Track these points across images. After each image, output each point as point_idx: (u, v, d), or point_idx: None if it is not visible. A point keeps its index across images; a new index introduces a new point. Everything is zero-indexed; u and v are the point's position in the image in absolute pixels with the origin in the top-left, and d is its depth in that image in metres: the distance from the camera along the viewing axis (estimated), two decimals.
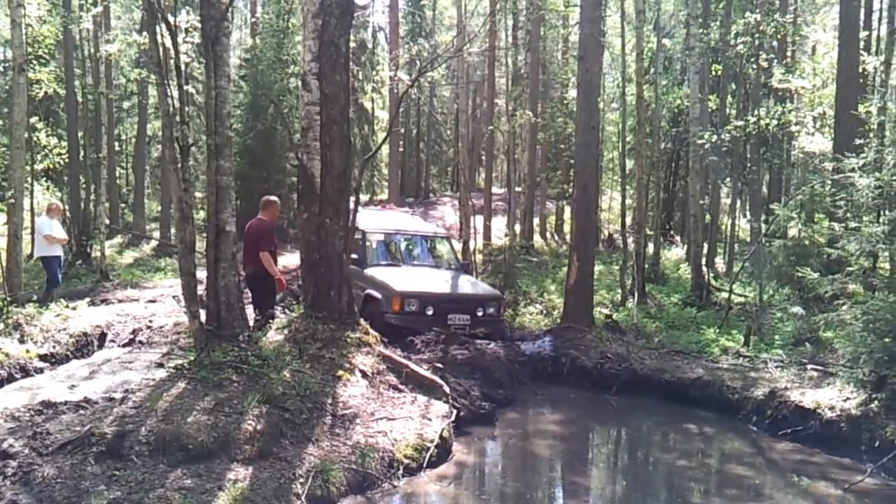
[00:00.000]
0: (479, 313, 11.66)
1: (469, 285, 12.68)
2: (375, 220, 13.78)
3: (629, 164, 19.86)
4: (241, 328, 7.56)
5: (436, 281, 12.22)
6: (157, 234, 26.17)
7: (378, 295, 11.34)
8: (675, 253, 23.38)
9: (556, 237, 28.32)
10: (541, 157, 27.46)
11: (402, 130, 36.65)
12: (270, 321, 9.00)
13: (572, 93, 26.36)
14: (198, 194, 19.05)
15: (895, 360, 7.34)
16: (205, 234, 7.84)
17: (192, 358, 7.29)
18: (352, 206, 9.53)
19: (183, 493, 5.45)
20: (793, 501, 6.65)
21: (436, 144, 44.26)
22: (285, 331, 8.90)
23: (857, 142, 10.23)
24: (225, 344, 7.28)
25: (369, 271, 12.02)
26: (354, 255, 11.66)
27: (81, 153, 21.99)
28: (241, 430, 6.34)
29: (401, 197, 30.51)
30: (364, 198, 30.87)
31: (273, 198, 9.85)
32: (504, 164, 33.92)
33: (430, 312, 11.16)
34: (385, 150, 31.38)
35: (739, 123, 15.81)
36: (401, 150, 35.19)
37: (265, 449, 6.37)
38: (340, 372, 8.04)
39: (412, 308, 11.10)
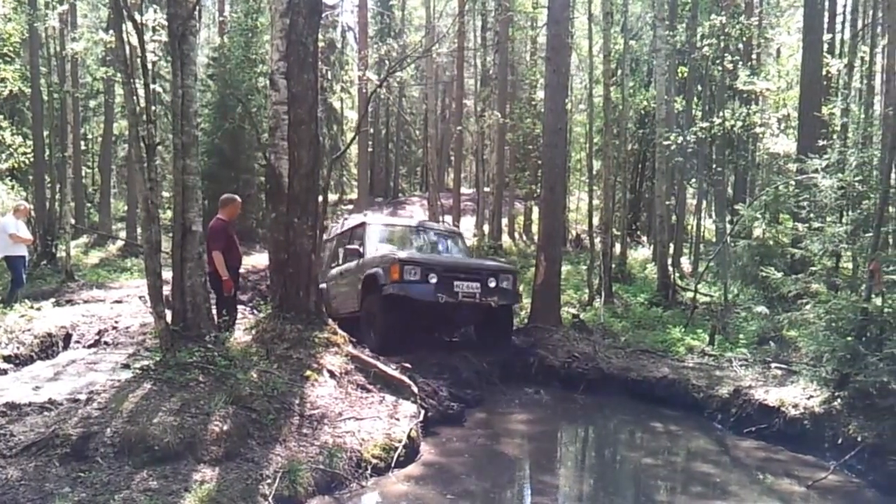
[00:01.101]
0: (492, 284, 10.71)
1: (483, 260, 12.37)
2: (380, 216, 13.60)
3: (596, 164, 20.03)
4: (208, 329, 7.51)
5: (442, 254, 11.82)
6: (123, 234, 25.85)
7: (377, 270, 10.57)
8: (641, 253, 23.60)
9: (525, 237, 28.45)
10: (509, 157, 27.59)
11: (372, 130, 36.57)
12: (229, 321, 8.92)
13: (540, 94, 26.46)
14: (164, 194, 18.88)
15: (858, 358, 7.48)
16: (171, 234, 7.77)
17: (157, 359, 7.22)
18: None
19: (148, 495, 5.41)
20: (757, 499, 6.75)
21: (405, 144, 44.25)
22: (253, 331, 8.86)
23: (821, 143, 10.43)
24: (191, 344, 7.23)
25: (369, 256, 11.39)
26: (355, 246, 11.70)
27: (47, 152, 21.67)
28: (207, 430, 6.30)
29: (370, 197, 30.45)
30: (333, 197, 30.74)
31: (232, 196, 9.76)
32: (473, 164, 33.98)
33: (434, 281, 10.28)
34: (354, 149, 31.29)
35: (705, 125, 16.03)
36: (370, 150, 35.12)
37: (232, 450, 6.34)
38: (308, 372, 8.02)
39: (413, 276, 10.23)
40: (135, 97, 7.44)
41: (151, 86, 7.90)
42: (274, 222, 8.99)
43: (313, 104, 8.76)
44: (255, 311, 10.47)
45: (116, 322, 11.79)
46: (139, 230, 20.83)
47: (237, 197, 9.77)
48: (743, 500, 6.63)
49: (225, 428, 6.40)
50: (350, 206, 32.87)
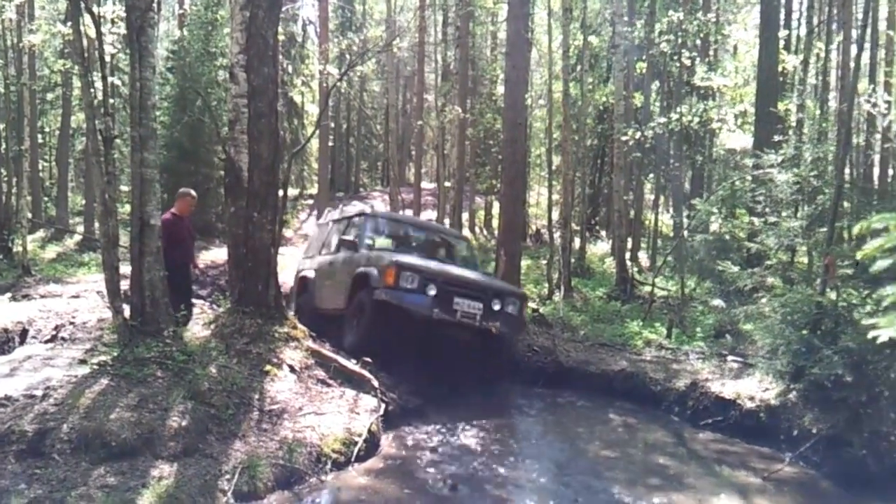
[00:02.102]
0: (496, 306, 9.68)
1: (490, 278, 10.88)
2: (384, 209, 13.07)
3: (556, 160, 20.17)
4: (167, 324, 7.40)
5: (444, 265, 10.35)
6: (80, 229, 25.38)
7: (370, 269, 9.66)
8: (600, 248, 23.83)
9: (485, 232, 28.53)
10: (470, 152, 27.61)
11: (332, 125, 36.33)
12: (187, 315, 8.80)
13: (501, 89, 26.51)
14: (123, 187, 18.55)
15: (812, 351, 7.63)
16: (129, 228, 7.64)
17: (115, 354, 7.11)
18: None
19: (106, 491, 5.34)
20: (714, 490, 6.85)
21: (366, 139, 44.06)
22: (212, 326, 8.75)
23: (777, 138, 10.61)
24: (149, 339, 7.13)
25: (364, 251, 10.43)
26: (351, 238, 10.71)
27: (3, 145, 21.17)
28: (165, 426, 6.23)
29: (331, 191, 30.25)
30: (293, 192, 30.50)
31: (186, 190, 9.62)
32: (434, 159, 33.99)
33: (432, 293, 9.31)
34: (315, 144, 31.07)
35: (663, 120, 16.21)
36: (331, 144, 34.88)
37: (190, 445, 6.27)
38: (268, 367, 7.95)
39: (410, 284, 9.29)
40: (92, 90, 7.32)
41: (109, 78, 7.77)
42: (233, 216, 8.89)
43: (274, 98, 8.67)
44: (215, 306, 10.33)
45: (74, 317, 11.58)
46: (97, 224, 20.47)
47: (192, 191, 9.62)
48: (699, 492, 6.73)
49: (183, 423, 6.33)
50: (310, 201, 32.66)
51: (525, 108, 14.80)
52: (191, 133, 22.88)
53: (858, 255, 3.73)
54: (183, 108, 22.86)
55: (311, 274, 11.99)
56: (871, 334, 3.53)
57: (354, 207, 12.63)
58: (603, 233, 26.62)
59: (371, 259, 9.92)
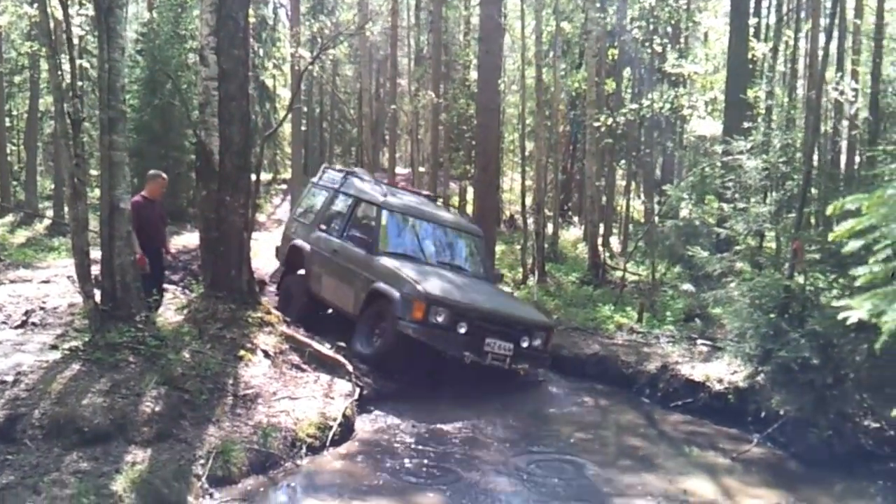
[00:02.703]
0: (524, 343, 9.04)
1: (515, 304, 10.02)
2: (393, 194, 10.82)
3: (529, 145, 20.19)
4: (138, 308, 7.33)
5: (470, 289, 9.37)
6: (50, 213, 24.97)
7: (392, 293, 8.82)
8: (573, 233, 23.95)
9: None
10: (444, 137, 27.58)
11: (305, 109, 36.07)
12: (159, 300, 8.71)
13: (474, 74, 26.49)
14: (92, 171, 18.31)
15: (780, 334, 7.75)
16: (99, 212, 7.54)
17: (86, 339, 7.03)
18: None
19: (79, 477, 5.30)
20: (684, 470, 6.97)
21: (339, 123, 43.81)
22: (184, 311, 8.69)
23: (746, 125, 10.72)
24: (121, 324, 7.05)
25: (382, 260, 9.41)
26: (363, 236, 9.83)
27: None
28: (138, 411, 6.20)
29: (304, 176, 30.07)
30: (266, 177, 30.25)
31: (156, 172, 9.38)
32: (408, 144, 33.90)
33: (462, 331, 8.62)
34: (288, 128, 30.83)
35: (634, 107, 16.30)
36: (304, 128, 34.65)
37: (164, 430, 6.24)
38: (242, 352, 7.92)
39: (439, 319, 8.55)
40: (60, 72, 7.21)
41: (78, 60, 7.65)
42: (205, 200, 8.82)
43: (244, 80, 8.60)
44: (187, 291, 10.23)
45: (44, 302, 11.38)
46: (66, 208, 20.17)
47: (162, 173, 9.42)
48: (670, 473, 6.84)
49: (156, 409, 6.30)
50: (284, 186, 32.43)
51: (498, 93, 14.82)
52: (161, 116, 22.57)
53: (830, 237, 3.79)
54: (153, 91, 22.53)
55: (306, 246, 10.88)
56: (841, 315, 3.60)
57: (360, 180, 11.16)
58: (575, 218, 26.76)
59: (391, 276, 9.05)
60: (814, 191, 10.21)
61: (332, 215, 11.01)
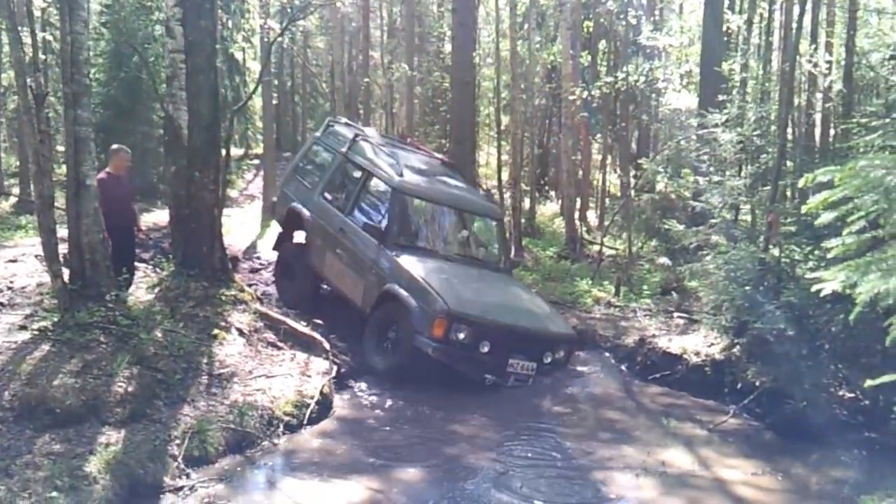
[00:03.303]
0: (548, 360, 8.34)
1: (536, 309, 8.91)
2: (409, 168, 9.54)
3: (504, 119, 20.12)
4: (108, 287, 7.22)
5: (493, 294, 8.63)
6: (16, 191, 24.55)
7: (409, 302, 8.00)
8: (549, 208, 23.97)
9: None
10: (418, 111, 27.43)
11: (276, 82, 35.63)
12: (129, 279, 8.60)
13: (448, 47, 26.33)
14: (58, 147, 18.01)
15: (756, 306, 7.84)
16: (65, 189, 7.40)
17: (56, 319, 6.92)
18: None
19: (52, 459, 5.26)
20: (662, 442, 7.05)
21: (311, 97, 43.31)
22: (156, 289, 8.60)
23: (721, 98, 10.75)
24: (91, 304, 6.95)
25: (397, 257, 8.55)
26: (369, 219, 9.04)
27: None
28: (111, 392, 6.15)
29: (277, 151, 29.79)
30: (238, 152, 29.90)
31: (119, 147, 9.04)
32: (382, 117, 33.65)
33: (485, 350, 7.87)
34: (259, 102, 30.47)
35: (609, 80, 16.28)
36: (275, 102, 34.25)
37: (138, 411, 6.20)
38: (216, 331, 7.88)
39: (461, 337, 7.76)
40: (21, 46, 7.03)
41: (39, 33, 7.47)
42: (174, 176, 8.72)
43: (212, 52, 8.47)
44: (158, 270, 10.08)
45: (12, 282, 11.19)
46: (32, 185, 19.84)
47: (125, 147, 9.14)
48: (648, 445, 6.92)
49: (129, 389, 6.25)
50: (256, 161, 32.07)
51: (473, 66, 14.71)
52: (128, 90, 22.17)
53: (804, 209, 3.82)
54: (119, 64, 22.12)
55: (305, 212, 9.96)
56: (815, 287, 3.64)
57: (371, 146, 9.94)
58: (552, 193, 26.78)
59: (407, 280, 8.22)
60: (789, 164, 10.29)
61: (338, 184, 10.05)
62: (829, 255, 3.80)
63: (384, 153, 9.65)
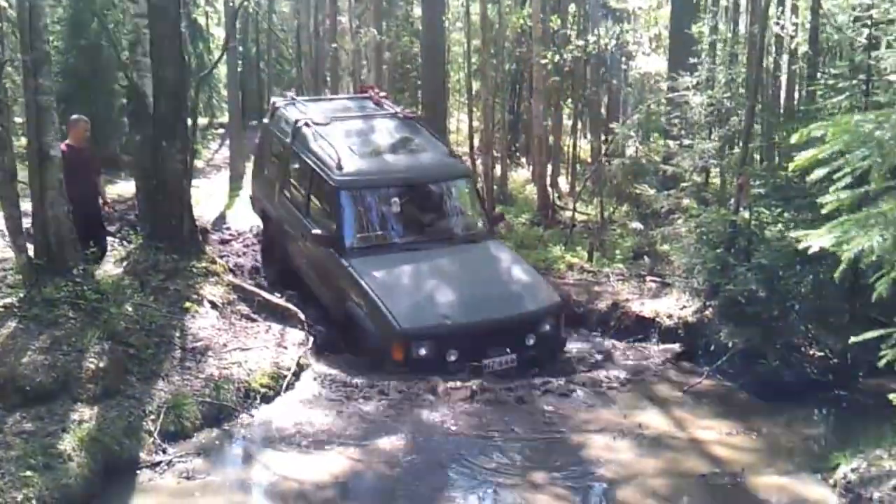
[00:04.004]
0: (531, 340, 7.83)
1: (513, 285, 8.39)
2: (354, 152, 8.89)
3: (475, 85, 20.00)
4: (75, 261, 7.11)
5: (460, 286, 8.04)
6: None
7: (367, 323, 7.69)
8: (521, 174, 23.91)
9: None
10: (387, 77, 27.11)
11: (241, 49, 35.04)
12: (97, 252, 8.46)
13: (418, 11, 25.99)
14: (17, 119, 17.58)
15: (727, 269, 7.90)
16: (27, 162, 7.25)
17: (22, 295, 6.82)
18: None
19: (24, 438, 5.24)
20: (637, 405, 7.12)
21: (277, 63, 42.66)
22: (124, 263, 8.48)
23: (692, 61, 10.76)
24: (58, 279, 6.85)
25: (351, 268, 8.04)
26: (319, 224, 8.56)
27: None
28: (82, 368, 6.12)
29: (243, 120, 29.39)
30: (203, 121, 29.45)
31: (77, 117, 8.82)
32: (350, 84, 33.24)
33: (453, 358, 7.46)
34: (223, 69, 29.96)
35: (581, 43, 16.21)
36: (239, 69, 33.69)
37: (110, 387, 6.18)
38: (187, 304, 7.83)
39: (423, 353, 7.41)
40: None
41: None
42: (140, 146, 8.59)
43: (176, 18, 8.29)
44: (125, 243, 9.91)
45: None
46: None
47: (83, 117, 8.90)
48: (624, 407, 7.00)
49: (101, 365, 6.21)
50: (220, 130, 31.63)
51: (444, 31, 14.55)
52: (87, 59, 21.66)
53: (792, 166, 3.83)
54: (78, 32, 21.59)
55: (272, 212, 9.96)
56: (802, 245, 3.66)
57: (313, 132, 9.22)
58: (523, 159, 26.73)
59: (360, 296, 7.83)
60: (756, 127, 10.35)
61: (291, 181, 9.69)
62: (824, 212, 3.79)
63: (325, 140, 8.95)
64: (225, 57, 18.26)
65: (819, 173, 3.71)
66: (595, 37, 16.23)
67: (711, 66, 11.11)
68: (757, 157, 11.58)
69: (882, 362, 3.96)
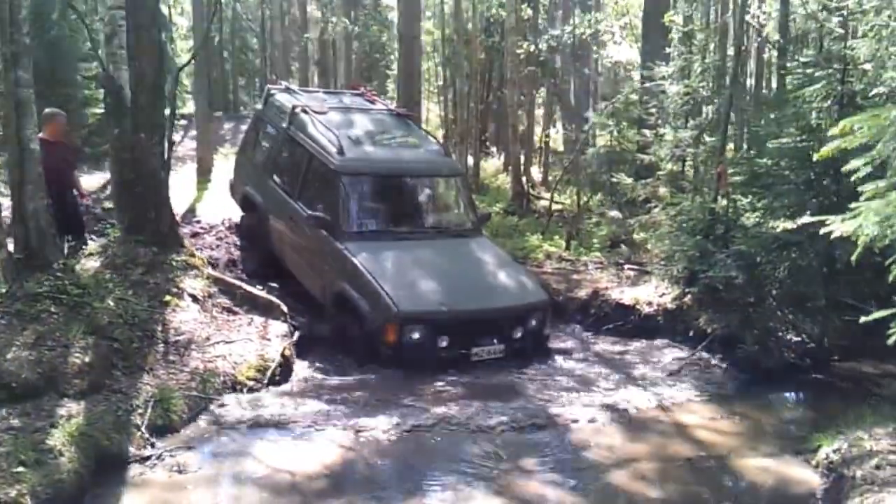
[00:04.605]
0: (518, 334, 8.05)
1: (503, 279, 8.56)
2: (353, 140, 9.00)
3: (447, 74, 20.07)
4: (55, 256, 7.10)
5: (453, 276, 8.23)
6: None
7: (361, 304, 7.74)
8: (492, 164, 24.06)
9: None
10: (356, 66, 27.09)
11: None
12: (76, 246, 8.43)
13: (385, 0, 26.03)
14: None
15: (706, 255, 8.11)
16: (3, 155, 7.21)
17: (3, 290, 6.78)
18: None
19: (13, 434, 5.21)
20: (621, 387, 7.33)
21: (242, 53, 42.32)
22: (101, 257, 8.44)
23: (667, 50, 10.94)
24: (38, 273, 6.82)
25: (346, 251, 8.12)
26: (314, 207, 8.51)
27: None
28: (68, 363, 6.10)
29: (209, 110, 29.14)
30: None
31: (52, 111, 8.79)
32: (315, 74, 33.05)
33: (443, 344, 7.64)
34: (185, 59, 29.67)
35: (556, 32, 16.36)
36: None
37: (97, 382, 6.18)
38: (168, 297, 7.81)
39: (416, 337, 7.54)
40: None
41: None
42: (117, 139, 8.53)
43: (155, 9, 8.26)
44: (93, 238, 9.77)
45: None
46: None
47: (60, 111, 8.87)
48: (608, 390, 7.21)
49: (87, 360, 6.20)
50: (183, 122, 31.32)
51: (420, 20, 14.60)
52: (48, 51, 21.33)
53: (816, 157, 4.00)
54: (41, 24, 21.24)
55: (258, 198, 9.88)
56: (824, 230, 3.81)
57: (311, 119, 9.29)
58: (493, 149, 26.85)
59: (356, 277, 7.90)
60: (731, 116, 10.55)
61: (284, 165, 9.68)
62: (863, 199, 3.97)
63: (323, 126, 9.04)
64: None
65: (858, 163, 3.86)
66: (571, 26, 16.36)
67: (687, 55, 11.26)
68: (731, 145, 11.80)
69: (891, 340, 4.10)
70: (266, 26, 34.72)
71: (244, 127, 30.49)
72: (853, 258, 4.01)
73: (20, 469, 4.86)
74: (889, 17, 6.68)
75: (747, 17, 15.73)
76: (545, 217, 14.44)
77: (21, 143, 6.73)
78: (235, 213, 12.36)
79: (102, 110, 9.94)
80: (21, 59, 6.66)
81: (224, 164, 20.70)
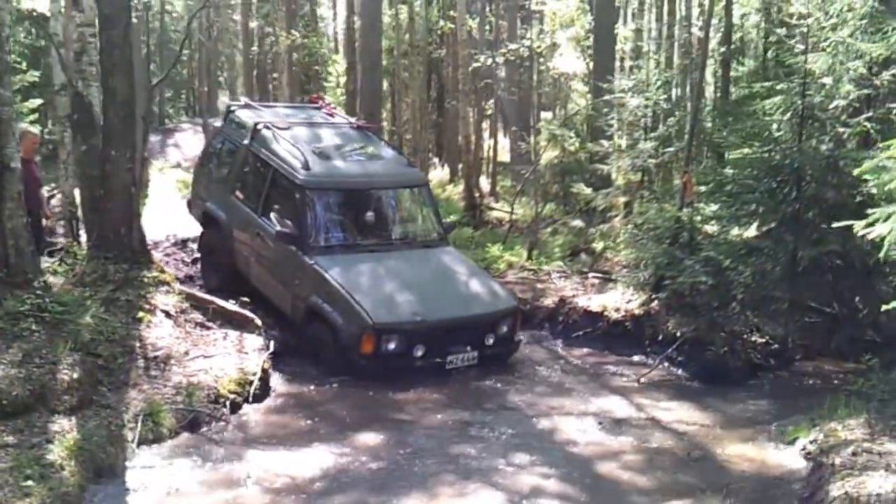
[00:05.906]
0: (490, 340, 8.40)
1: (472, 287, 8.92)
2: (317, 154, 9.22)
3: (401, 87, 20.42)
4: (35, 274, 7.23)
5: (424, 286, 8.53)
6: None
7: (335, 317, 7.99)
8: (437, 175, 24.43)
9: None
10: (296, 79, 27.24)
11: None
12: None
13: (322, 10, 26.23)
14: None
15: (674, 262, 8.65)
16: None
17: None
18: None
19: (9, 451, 5.37)
20: (594, 393, 7.80)
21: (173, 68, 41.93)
22: (67, 275, 8.57)
23: (631, 65, 11.56)
24: (18, 292, 6.95)
25: (316, 265, 8.38)
26: (280, 223, 8.59)
27: None
28: (57, 380, 6.27)
29: (141, 122, 28.95)
30: None
31: (25, 128, 8.99)
32: (241, 84, 32.93)
33: (419, 353, 7.99)
34: None
35: (514, 46, 16.90)
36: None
37: (85, 397, 6.39)
38: (141, 314, 7.98)
39: (392, 347, 7.86)
40: None
41: None
42: (85, 156, 8.67)
43: (128, 26, 8.44)
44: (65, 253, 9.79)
45: None
46: None
47: (31, 129, 9.14)
48: (582, 396, 7.68)
49: (75, 376, 6.38)
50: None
51: (381, 34, 14.97)
52: None
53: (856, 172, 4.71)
54: None
55: (221, 215, 9.90)
56: (859, 232, 4.38)
57: (273, 135, 9.47)
58: (436, 160, 27.28)
59: (327, 291, 8.17)
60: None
61: (247, 182, 9.77)
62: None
63: (287, 142, 9.27)
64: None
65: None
66: (529, 39, 16.93)
67: (640, 66, 11.89)
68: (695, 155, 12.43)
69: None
70: (193, 38, 34.52)
71: (171, 141, 30.47)
72: (882, 255, 4.61)
73: (28, 483, 5.07)
74: (846, 34, 7.35)
75: (694, 30, 16.67)
76: (500, 227, 14.85)
77: (3, 161, 6.86)
78: (181, 230, 12.53)
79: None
80: (3, 77, 6.81)
81: (161, 179, 20.65)
